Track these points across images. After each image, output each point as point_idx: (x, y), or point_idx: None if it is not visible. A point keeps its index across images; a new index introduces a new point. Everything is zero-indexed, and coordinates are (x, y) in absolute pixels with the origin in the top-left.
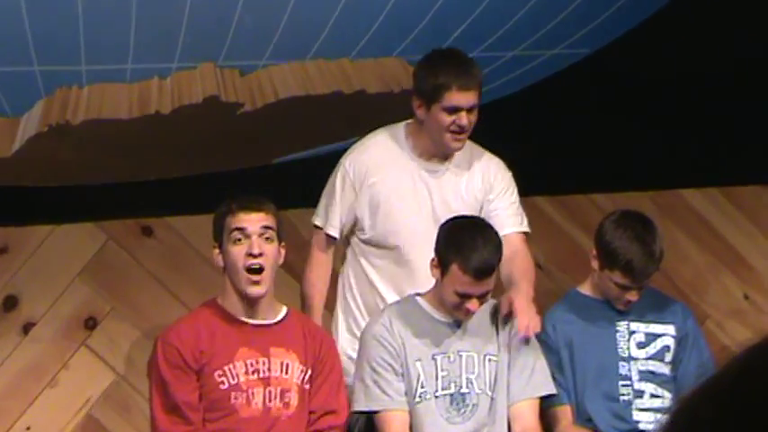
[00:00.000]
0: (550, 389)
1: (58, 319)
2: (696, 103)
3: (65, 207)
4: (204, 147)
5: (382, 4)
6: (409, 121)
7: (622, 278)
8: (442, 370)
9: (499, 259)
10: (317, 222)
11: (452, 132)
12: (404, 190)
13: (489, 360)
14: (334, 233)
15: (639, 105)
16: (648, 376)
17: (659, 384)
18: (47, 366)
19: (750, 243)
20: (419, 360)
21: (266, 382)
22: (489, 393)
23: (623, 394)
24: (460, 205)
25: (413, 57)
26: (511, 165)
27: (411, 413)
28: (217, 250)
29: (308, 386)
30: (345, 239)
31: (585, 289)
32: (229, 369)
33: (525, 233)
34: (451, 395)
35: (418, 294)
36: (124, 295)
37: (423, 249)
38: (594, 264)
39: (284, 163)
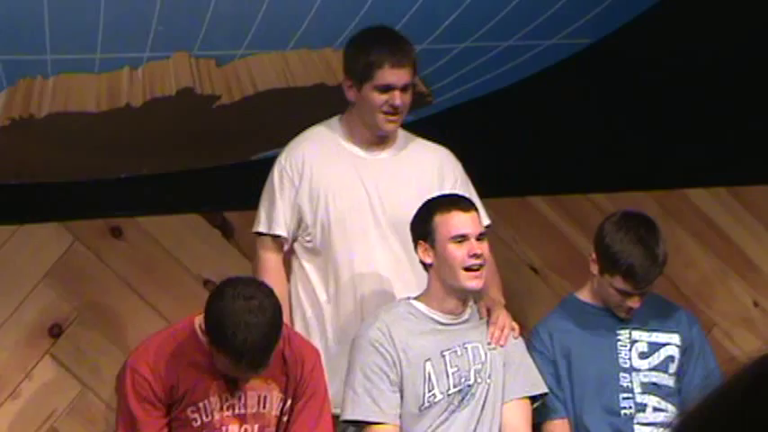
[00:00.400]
0: (542, 388)
1: (20, 326)
2: (703, 99)
3: (28, 206)
4: (178, 142)
5: None
6: (342, 114)
7: (623, 284)
8: (452, 366)
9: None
10: (260, 229)
11: (385, 113)
12: (342, 180)
13: (491, 349)
14: (281, 231)
15: (643, 100)
16: (651, 388)
17: (663, 397)
18: (8, 376)
19: (760, 246)
20: (429, 360)
21: (242, 419)
22: (489, 381)
23: (624, 407)
24: (409, 193)
25: None
26: (505, 162)
27: (414, 421)
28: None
29: (286, 418)
30: (290, 248)
31: (584, 295)
32: (204, 405)
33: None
34: (460, 390)
35: (410, 298)
36: (91, 301)
37: (367, 242)
38: (594, 268)
39: (264, 160)
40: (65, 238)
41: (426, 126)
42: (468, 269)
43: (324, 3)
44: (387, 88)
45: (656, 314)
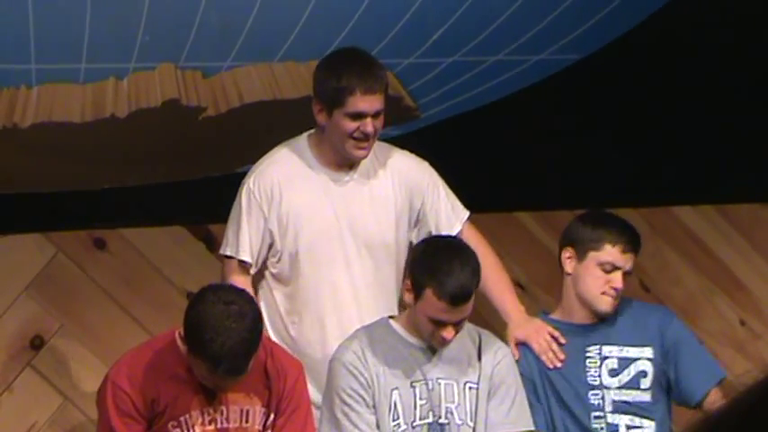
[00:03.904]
0: (528, 425)
1: (1, 338)
2: (691, 116)
3: (11, 216)
4: (163, 154)
5: (356, 4)
6: (311, 131)
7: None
8: (421, 398)
9: (477, 283)
10: (227, 252)
11: (356, 139)
12: (312, 208)
13: (470, 389)
14: (247, 257)
15: (631, 117)
16: (623, 407)
17: (636, 414)
18: None
19: (747, 264)
20: (396, 389)
21: None
22: (470, 424)
23: (596, 427)
24: (381, 215)
25: (389, 60)
26: (491, 177)
27: None
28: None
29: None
30: (258, 272)
31: (556, 314)
32: (185, 420)
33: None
34: (429, 424)
35: (391, 317)
36: (74, 312)
37: (335, 270)
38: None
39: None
40: (47, 249)
41: (413, 140)
42: (434, 338)
43: (311, 15)
44: (358, 115)
45: (629, 327)
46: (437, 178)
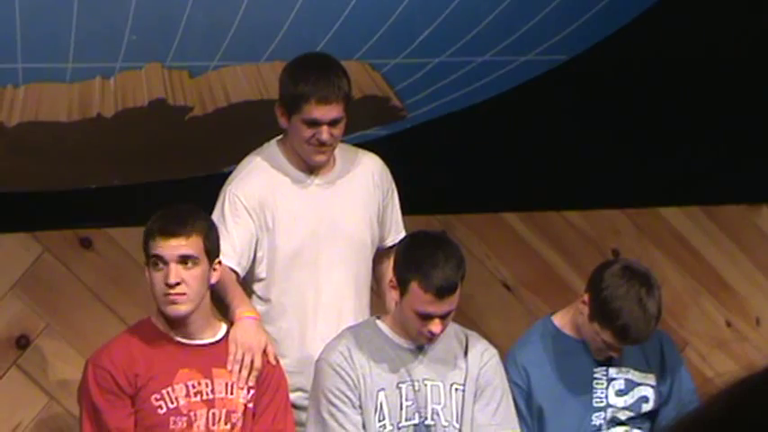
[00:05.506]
0: (515, 427)
1: None
2: (677, 117)
3: None
4: (149, 153)
5: (343, 4)
6: (279, 137)
7: (613, 339)
8: (407, 399)
9: (462, 275)
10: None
11: (313, 146)
12: (297, 210)
13: (455, 390)
14: (231, 264)
15: (617, 117)
16: (618, 421)
17: (629, 424)
18: None
19: (733, 265)
20: (383, 390)
21: (210, 403)
22: (456, 425)
23: None
24: (359, 214)
25: (376, 60)
26: (478, 178)
27: None
28: (146, 268)
29: (251, 405)
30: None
31: (562, 322)
32: (167, 392)
33: None
34: (415, 425)
35: (378, 317)
36: (60, 312)
37: (321, 269)
38: (583, 309)
39: None
40: (33, 248)
41: (399, 141)
42: (422, 334)
43: (298, 16)
44: (313, 122)
45: (633, 350)
46: (395, 189)
